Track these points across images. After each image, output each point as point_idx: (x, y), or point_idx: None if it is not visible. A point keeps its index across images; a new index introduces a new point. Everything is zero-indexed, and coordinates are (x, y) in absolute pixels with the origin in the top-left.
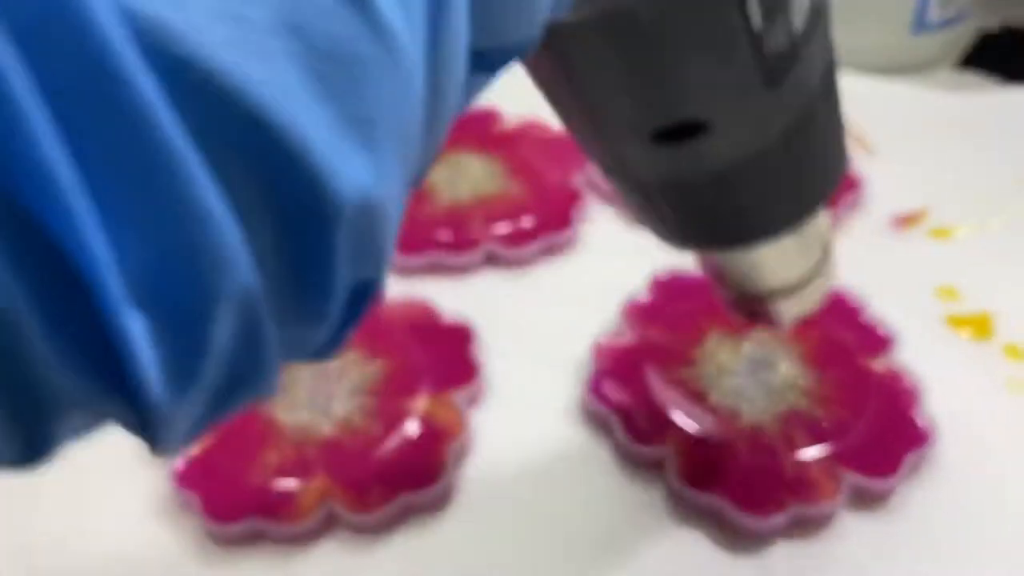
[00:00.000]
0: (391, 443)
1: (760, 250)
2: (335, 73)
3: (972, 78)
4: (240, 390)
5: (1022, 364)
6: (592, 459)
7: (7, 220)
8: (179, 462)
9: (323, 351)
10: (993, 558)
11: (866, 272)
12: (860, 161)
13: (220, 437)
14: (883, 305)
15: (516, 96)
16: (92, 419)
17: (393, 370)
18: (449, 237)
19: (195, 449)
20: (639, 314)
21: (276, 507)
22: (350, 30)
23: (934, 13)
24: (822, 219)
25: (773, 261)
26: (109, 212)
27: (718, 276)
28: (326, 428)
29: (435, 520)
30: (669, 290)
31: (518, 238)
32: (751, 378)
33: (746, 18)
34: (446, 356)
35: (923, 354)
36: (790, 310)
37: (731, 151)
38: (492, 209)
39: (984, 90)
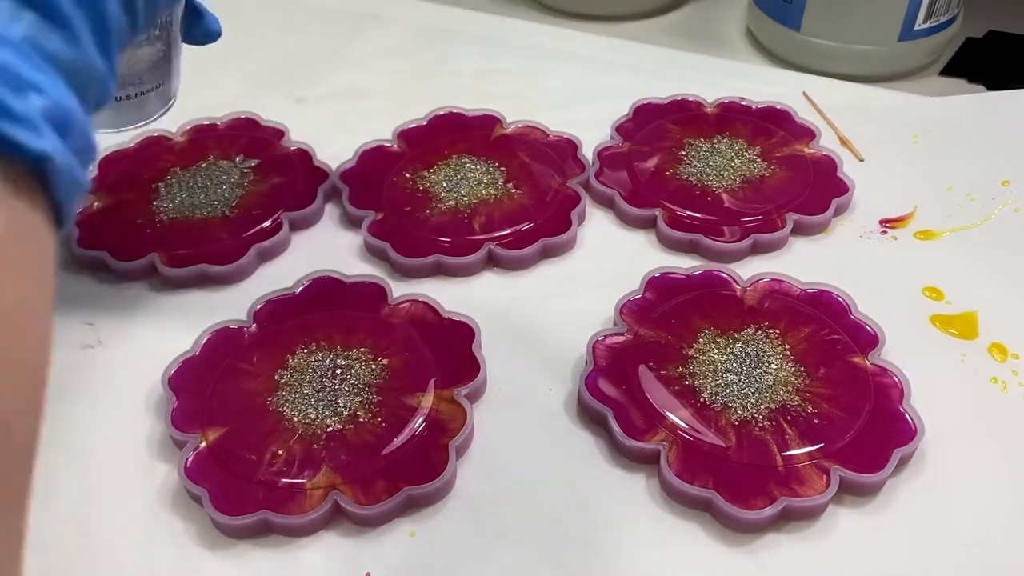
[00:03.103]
0: (395, 438)
1: None
2: None
3: (957, 84)
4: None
5: (1006, 362)
6: (588, 453)
7: None
8: (188, 456)
9: None
10: (977, 550)
11: (854, 273)
12: (849, 166)
13: (229, 432)
14: (871, 305)
15: (516, 102)
16: None
17: (397, 367)
18: (451, 239)
19: (204, 443)
20: (634, 313)
21: (283, 500)
22: None
23: (921, 21)
24: None
25: None
26: None
27: None
28: (332, 423)
29: (436, 511)
30: (663, 290)
31: (517, 240)
32: (742, 375)
33: None
34: (448, 354)
35: (910, 352)
36: None
37: None
38: (492, 212)
39: (969, 96)
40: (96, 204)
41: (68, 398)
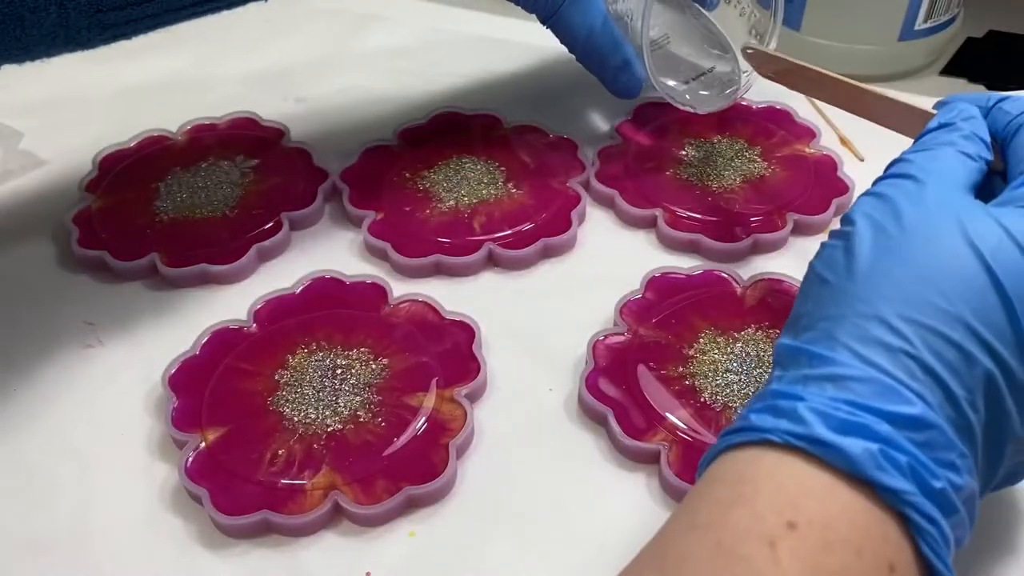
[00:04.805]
0: (395, 438)
1: None
2: None
3: (957, 84)
4: None
5: None
6: (588, 453)
7: None
8: (189, 456)
9: None
10: (979, 549)
11: None
12: (849, 166)
13: (229, 432)
14: None
15: (516, 102)
16: None
17: (398, 367)
18: (451, 239)
19: (204, 443)
20: (634, 313)
21: (283, 500)
22: None
23: (921, 21)
24: None
25: None
26: None
27: None
28: (332, 423)
29: (436, 511)
30: (663, 290)
31: (517, 240)
32: (743, 375)
33: None
34: (449, 354)
35: None
36: None
37: None
38: (492, 212)
39: None
40: (96, 204)
41: (68, 398)
